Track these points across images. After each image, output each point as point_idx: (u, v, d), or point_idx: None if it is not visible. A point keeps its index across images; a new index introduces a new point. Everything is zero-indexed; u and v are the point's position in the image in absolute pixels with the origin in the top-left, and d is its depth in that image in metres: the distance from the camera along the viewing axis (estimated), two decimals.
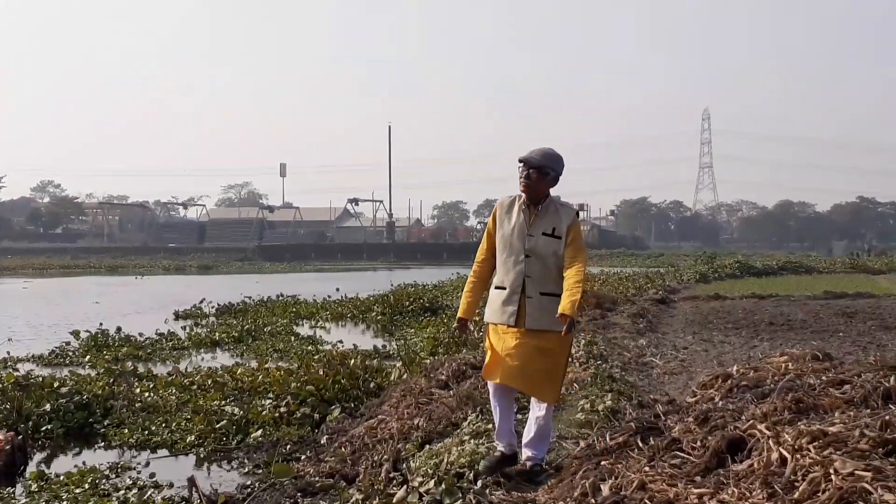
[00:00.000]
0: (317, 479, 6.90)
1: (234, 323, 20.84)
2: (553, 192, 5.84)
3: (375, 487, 5.74)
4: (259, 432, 9.05)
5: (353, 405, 10.06)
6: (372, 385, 10.78)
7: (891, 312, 18.39)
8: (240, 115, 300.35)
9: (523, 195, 5.75)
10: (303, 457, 8.00)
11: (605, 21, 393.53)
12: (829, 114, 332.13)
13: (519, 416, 6.87)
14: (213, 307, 24.91)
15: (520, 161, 5.64)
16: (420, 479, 5.58)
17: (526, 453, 5.67)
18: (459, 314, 6.08)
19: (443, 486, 5.26)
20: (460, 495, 5.17)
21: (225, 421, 9.28)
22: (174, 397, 10.57)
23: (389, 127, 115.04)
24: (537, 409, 5.70)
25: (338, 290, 30.75)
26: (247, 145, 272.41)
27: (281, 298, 27.37)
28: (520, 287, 5.60)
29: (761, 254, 79.81)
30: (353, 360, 11.94)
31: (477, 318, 8.07)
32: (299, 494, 6.53)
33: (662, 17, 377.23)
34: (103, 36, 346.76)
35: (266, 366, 12.46)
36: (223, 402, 10.02)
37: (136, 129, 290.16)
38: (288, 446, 8.55)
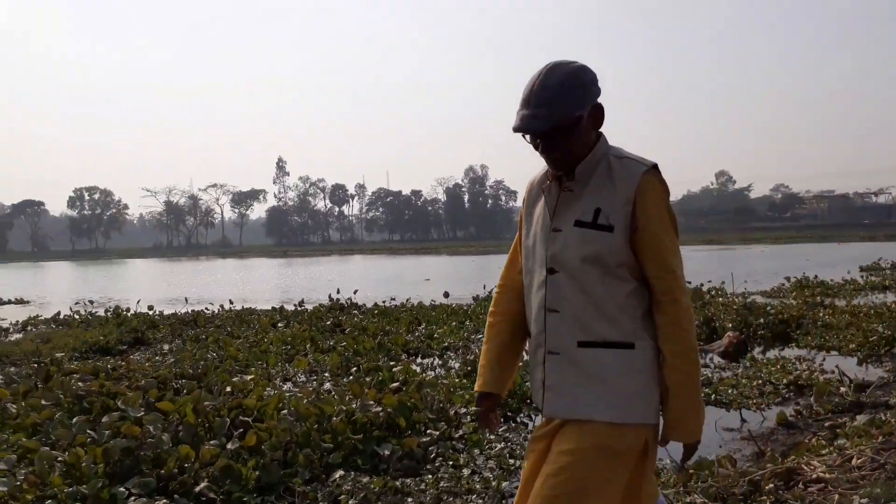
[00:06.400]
0: None
1: None
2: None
3: None
4: None
5: None
6: None
7: None
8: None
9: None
10: None
11: None
12: None
13: None
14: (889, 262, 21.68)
15: (516, 130, 1.73)
16: None
17: None
18: (476, 387, 2.04)
19: None
20: None
21: (875, 337, 8.41)
22: (845, 320, 9.78)
23: None
24: None
25: None
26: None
27: None
28: (542, 331, 1.83)
29: None
30: None
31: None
32: None
33: None
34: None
35: None
36: (878, 324, 8.97)
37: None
38: None
